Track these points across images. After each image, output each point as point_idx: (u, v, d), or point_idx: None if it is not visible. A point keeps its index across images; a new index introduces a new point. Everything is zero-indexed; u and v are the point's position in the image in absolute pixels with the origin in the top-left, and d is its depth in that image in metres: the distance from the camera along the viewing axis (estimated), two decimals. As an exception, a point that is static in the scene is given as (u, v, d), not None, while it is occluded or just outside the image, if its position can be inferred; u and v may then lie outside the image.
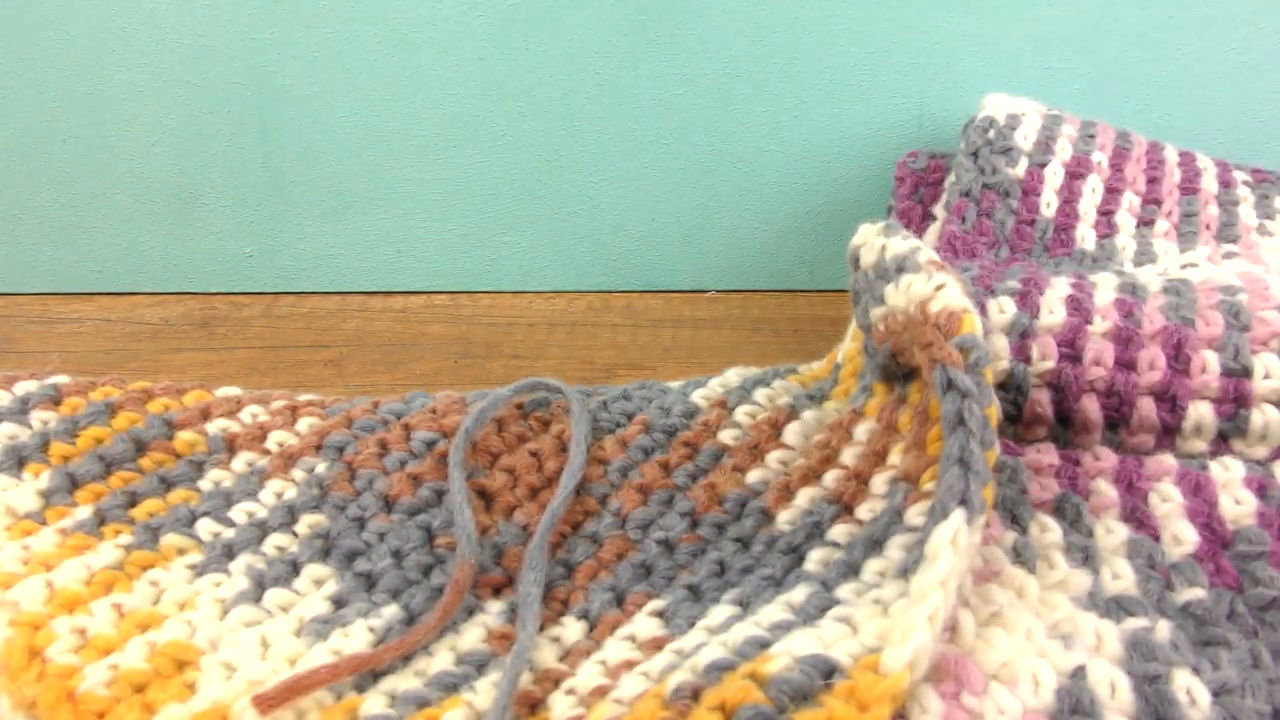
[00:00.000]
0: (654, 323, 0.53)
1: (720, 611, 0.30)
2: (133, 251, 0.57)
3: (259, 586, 0.32)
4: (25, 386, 0.39)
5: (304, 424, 0.39)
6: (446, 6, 0.51)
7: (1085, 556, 0.29)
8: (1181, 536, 0.30)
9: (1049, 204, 0.45)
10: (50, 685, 0.27)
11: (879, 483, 0.32)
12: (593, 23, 0.52)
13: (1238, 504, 0.30)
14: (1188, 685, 0.25)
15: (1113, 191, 0.46)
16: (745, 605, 0.30)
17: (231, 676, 0.28)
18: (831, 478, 0.35)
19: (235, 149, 0.54)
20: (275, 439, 0.38)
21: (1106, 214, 0.45)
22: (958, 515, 0.26)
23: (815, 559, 0.31)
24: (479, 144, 0.54)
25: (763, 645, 0.25)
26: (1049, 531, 0.30)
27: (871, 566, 0.29)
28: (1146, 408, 0.33)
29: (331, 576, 0.33)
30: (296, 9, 0.52)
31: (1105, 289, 0.36)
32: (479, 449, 0.38)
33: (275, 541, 0.34)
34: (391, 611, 0.31)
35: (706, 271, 0.56)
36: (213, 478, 0.36)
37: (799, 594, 0.29)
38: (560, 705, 0.27)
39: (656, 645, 0.29)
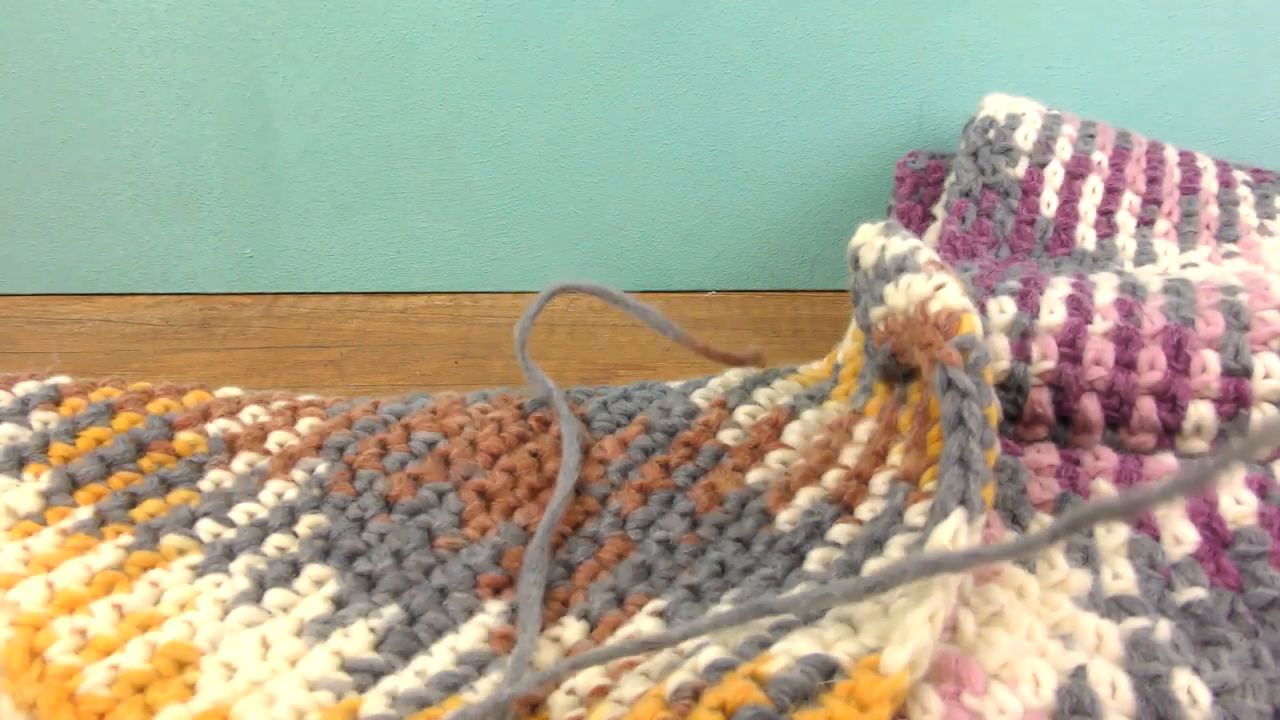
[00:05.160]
0: (654, 323, 0.54)
1: (721, 611, 0.30)
2: (133, 251, 0.57)
3: (259, 587, 0.32)
4: (25, 387, 0.39)
5: (304, 424, 0.39)
6: (446, 6, 0.51)
7: (1085, 556, 0.29)
8: (1182, 536, 0.30)
9: (1049, 204, 0.45)
10: (51, 686, 0.27)
11: (879, 483, 0.32)
12: (593, 23, 0.52)
13: (1238, 504, 0.30)
14: (1188, 685, 0.25)
15: (1113, 191, 0.46)
16: (746, 605, 0.30)
17: (232, 677, 0.28)
18: (832, 478, 0.35)
19: (235, 149, 0.54)
20: (276, 439, 0.38)
21: (1106, 214, 0.45)
22: (958, 515, 0.26)
23: (816, 559, 0.31)
24: (479, 144, 0.54)
25: (763, 645, 0.25)
26: (1049, 531, 0.30)
27: (872, 566, 0.29)
28: (1147, 408, 0.33)
29: (332, 577, 0.33)
30: (296, 9, 0.52)
31: (1105, 289, 0.36)
32: (479, 449, 0.38)
33: (276, 542, 0.34)
34: (392, 612, 0.31)
35: (706, 271, 0.56)
36: (213, 478, 0.36)
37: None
38: (560, 705, 0.27)
39: (657, 645, 0.29)
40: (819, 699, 0.23)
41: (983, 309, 0.35)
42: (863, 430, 0.36)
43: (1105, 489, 0.32)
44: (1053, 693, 0.25)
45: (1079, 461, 0.33)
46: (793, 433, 0.38)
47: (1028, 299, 0.35)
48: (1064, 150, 0.47)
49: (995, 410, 0.29)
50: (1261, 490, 0.31)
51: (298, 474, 0.37)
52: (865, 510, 0.32)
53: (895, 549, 0.29)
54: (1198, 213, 0.46)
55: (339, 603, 0.32)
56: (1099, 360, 0.34)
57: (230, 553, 0.33)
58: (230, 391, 0.41)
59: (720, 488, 0.36)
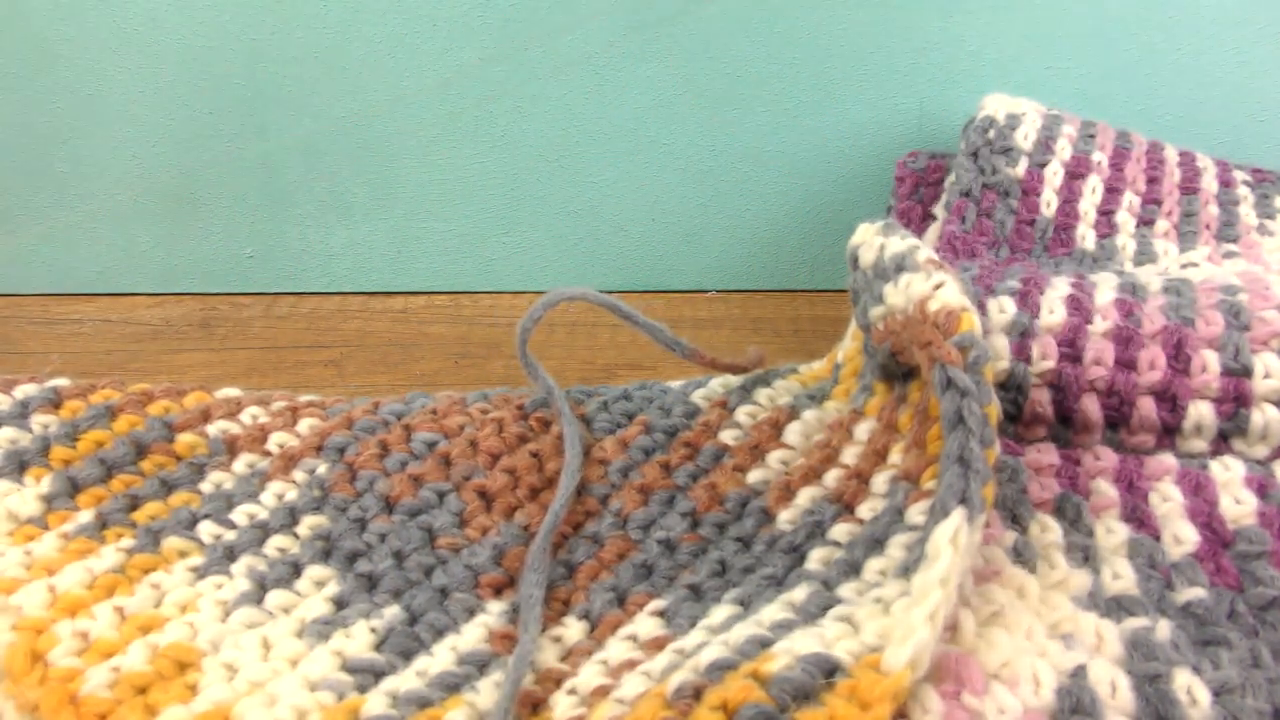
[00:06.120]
0: (654, 323, 0.54)
1: (721, 611, 0.30)
2: (133, 251, 0.57)
3: (260, 588, 0.32)
4: (25, 390, 0.39)
5: (304, 425, 0.39)
6: (446, 6, 0.51)
7: (1085, 556, 0.29)
8: (1182, 536, 0.30)
9: (1049, 204, 0.45)
10: (53, 688, 0.27)
11: (880, 482, 0.33)
12: (593, 23, 0.52)
13: (1238, 503, 0.30)
14: (1188, 685, 0.25)
15: (1113, 191, 0.46)
16: (746, 604, 0.30)
17: (233, 678, 0.28)
18: (832, 477, 0.35)
19: (235, 149, 0.54)
20: (276, 440, 0.38)
21: (1106, 214, 0.45)
22: (958, 514, 0.26)
23: (816, 558, 0.31)
24: (479, 144, 0.54)
25: (764, 644, 0.25)
26: (1049, 531, 0.31)
27: (872, 565, 0.29)
28: (1146, 407, 0.33)
29: (333, 577, 0.33)
30: (296, 9, 0.52)
31: (1105, 289, 0.36)
32: (479, 449, 0.38)
33: (276, 543, 0.34)
34: (393, 612, 0.31)
35: (706, 271, 0.56)
36: (213, 480, 0.36)
37: (800, 593, 0.29)
38: (562, 705, 0.27)
39: (658, 645, 0.29)
40: (820, 698, 0.23)
41: (983, 309, 0.35)
42: (863, 430, 0.36)
43: (1105, 488, 0.32)
44: (1053, 693, 0.25)
45: (1079, 461, 0.33)
46: (793, 432, 0.38)
47: (1028, 299, 0.36)
48: (1064, 150, 0.47)
49: (995, 409, 0.29)
50: (1261, 490, 0.31)
51: (298, 475, 0.37)
52: (866, 509, 0.32)
53: (896, 548, 0.29)
54: (1198, 213, 0.46)
55: (340, 603, 0.32)
56: (1099, 360, 0.34)
57: (231, 554, 0.33)
58: (230, 392, 0.41)
59: (721, 487, 0.36)
